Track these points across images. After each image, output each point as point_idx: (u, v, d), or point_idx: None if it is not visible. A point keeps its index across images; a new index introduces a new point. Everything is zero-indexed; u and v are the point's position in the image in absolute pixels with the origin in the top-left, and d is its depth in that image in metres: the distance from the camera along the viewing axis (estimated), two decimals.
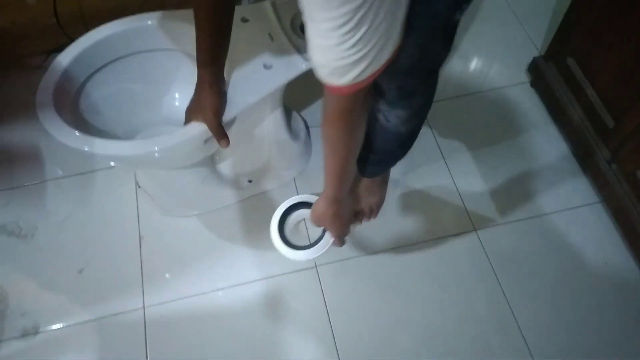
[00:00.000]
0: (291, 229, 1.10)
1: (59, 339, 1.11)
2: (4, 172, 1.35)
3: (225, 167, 1.24)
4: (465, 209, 1.29)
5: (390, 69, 0.83)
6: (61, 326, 1.13)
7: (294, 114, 1.33)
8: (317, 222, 0.96)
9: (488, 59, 1.58)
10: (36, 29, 1.44)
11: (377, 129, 1.06)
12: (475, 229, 1.26)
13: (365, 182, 1.26)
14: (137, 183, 1.28)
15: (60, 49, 1.01)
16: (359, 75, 0.60)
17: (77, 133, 0.87)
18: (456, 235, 1.25)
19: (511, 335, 1.12)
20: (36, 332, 1.12)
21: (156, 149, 0.88)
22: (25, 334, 1.12)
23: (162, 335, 1.11)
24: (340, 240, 1.00)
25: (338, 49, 0.56)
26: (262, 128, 1.16)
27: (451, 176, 1.34)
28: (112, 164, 0.97)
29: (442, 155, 1.38)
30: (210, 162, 1.20)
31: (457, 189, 1.32)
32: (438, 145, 1.39)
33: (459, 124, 1.44)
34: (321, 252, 1.01)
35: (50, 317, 1.14)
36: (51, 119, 0.87)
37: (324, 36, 0.55)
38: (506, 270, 1.20)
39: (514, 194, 1.31)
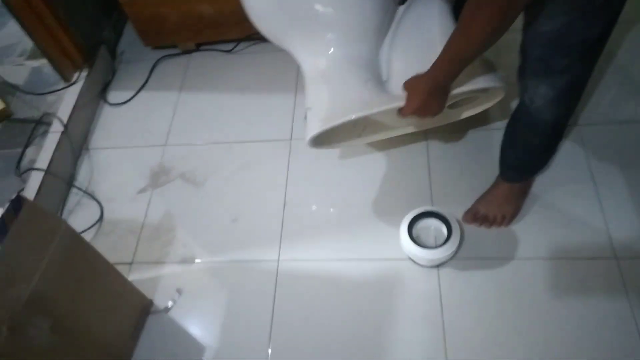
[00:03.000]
0: (418, 232, 1.24)
1: (208, 270, 1.32)
2: None
3: (392, 81, 1.16)
4: (609, 235, 1.22)
5: (533, 32, 0.92)
6: (212, 260, 1.34)
7: None
8: (409, 89, 1.00)
9: None
10: (234, 19, 1.71)
11: (521, 116, 1.10)
12: (616, 257, 1.18)
13: (504, 188, 1.26)
14: (306, 111, 1.20)
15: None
16: None
17: None
18: (592, 259, 1.19)
19: None
20: (192, 262, 1.34)
21: None
22: (183, 261, 1.35)
23: (288, 287, 1.26)
24: (408, 114, 1.02)
25: None
26: (433, 32, 1.11)
27: (599, 200, 1.27)
28: None
29: (593, 177, 1.31)
30: (376, 63, 1.19)
31: (603, 214, 1.25)
32: (589, 167, 1.33)
33: (619, 149, 1.35)
34: (445, 255, 1.18)
35: (205, 252, 1.35)
36: None
37: None
38: None
39: None
